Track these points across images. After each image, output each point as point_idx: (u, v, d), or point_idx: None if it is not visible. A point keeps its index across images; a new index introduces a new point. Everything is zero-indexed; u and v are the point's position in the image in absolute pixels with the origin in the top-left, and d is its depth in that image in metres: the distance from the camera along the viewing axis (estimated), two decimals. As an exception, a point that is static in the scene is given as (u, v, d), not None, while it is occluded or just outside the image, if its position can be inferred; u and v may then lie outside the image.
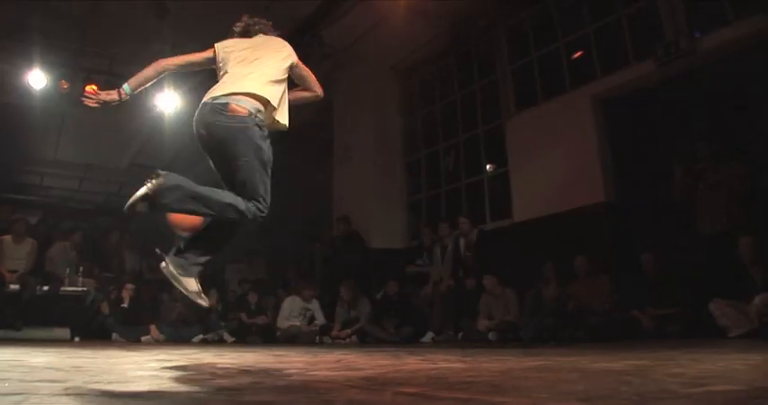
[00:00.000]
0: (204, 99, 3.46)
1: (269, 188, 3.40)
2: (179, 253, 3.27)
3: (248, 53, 3.71)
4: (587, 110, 8.10)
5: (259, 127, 3.38)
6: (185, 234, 3.52)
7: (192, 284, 3.20)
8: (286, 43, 3.83)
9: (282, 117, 3.60)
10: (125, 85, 3.66)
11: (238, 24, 4.13)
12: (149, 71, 3.76)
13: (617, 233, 7.71)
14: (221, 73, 3.66)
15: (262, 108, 3.42)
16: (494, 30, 9.80)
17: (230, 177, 3.39)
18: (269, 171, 3.43)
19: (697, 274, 6.39)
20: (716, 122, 6.89)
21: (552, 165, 8.36)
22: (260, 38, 3.93)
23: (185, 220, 3.47)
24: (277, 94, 3.53)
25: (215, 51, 3.77)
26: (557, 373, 2.37)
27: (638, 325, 6.51)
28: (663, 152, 7.27)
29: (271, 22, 4.14)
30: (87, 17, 9.64)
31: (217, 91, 3.45)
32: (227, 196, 3.22)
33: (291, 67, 3.71)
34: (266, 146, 3.42)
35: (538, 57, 9.14)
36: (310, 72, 3.79)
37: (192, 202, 3.06)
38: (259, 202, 3.32)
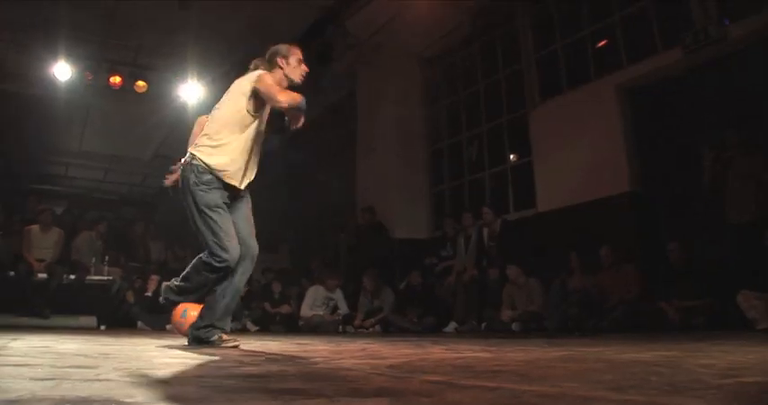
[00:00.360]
0: None
1: (216, 229, 3.64)
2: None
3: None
4: (612, 99, 8.00)
5: (194, 173, 3.69)
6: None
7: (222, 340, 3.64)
8: (252, 75, 3.91)
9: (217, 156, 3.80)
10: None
11: None
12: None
13: (642, 223, 7.63)
14: None
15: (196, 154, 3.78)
16: (518, 18, 9.72)
17: None
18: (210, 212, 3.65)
19: (724, 265, 6.30)
20: (745, 111, 6.77)
21: (577, 154, 8.29)
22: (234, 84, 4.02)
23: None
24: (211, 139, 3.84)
25: None
26: (583, 363, 2.35)
27: (664, 316, 6.45)
28: (689, 141, 7.16)
29: (266, 57, 4.22)
30: (111, 9, 9.70)
31: None
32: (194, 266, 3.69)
33: (255, 95, 3.79)
34: (200, 189, 3.67)
35: (563, 45, 9.04)
36: (269, 88, 3.74)
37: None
38: (211, 251, 3.61)
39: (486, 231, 8.60)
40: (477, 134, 10.55)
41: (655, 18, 7.76)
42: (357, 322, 8.85)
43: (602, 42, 8.56)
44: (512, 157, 9.88)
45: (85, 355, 2.72)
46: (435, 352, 3.14)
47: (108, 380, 1.72)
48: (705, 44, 6.94)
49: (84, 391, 1.48)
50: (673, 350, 2.89)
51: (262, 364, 2.36)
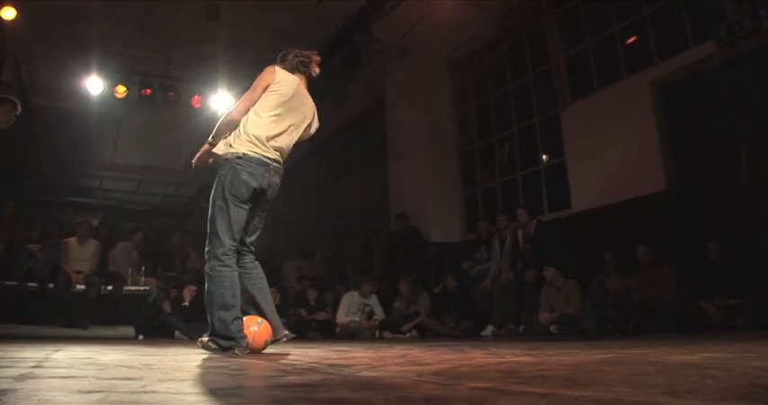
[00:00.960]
0: (269, 154, 3.89)
1: None
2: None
3: None
4: (646, 96, 7.91)
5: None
6: None
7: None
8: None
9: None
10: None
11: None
12: None
13: (680, 222, 7.51)
14: None
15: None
16: (545, 18, 9.66)
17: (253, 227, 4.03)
18: None
19: (766, 262, 6.16)
20: (783, 104, 6.64)
21: (611, 153, 8.20)
22: None
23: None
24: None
25: None
26: (631, 366, 2.30)
27: (705, 316, 6.33)
28: (726, 137, 7.05)
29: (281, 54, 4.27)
30: (141, 22, 9.83)
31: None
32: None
33: None
34: None
35: (592, 44, 8.96)
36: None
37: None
38: None
39: (520, 233, 8.53)
40: (509, 136, 10.49)
41: (685, 12, 7.65)
42: (405, 327, 8.82)
43: (632, 39, 8.46)
44: (544, 157, 9.80)
45: (129, 367, 2.73)
46: (477, 357, 3.10)
47: (154, 392, 1.71)
48: (739, 36, 6.82)
49: (132, 403, 1.48)
50: (720, 351, 2.82)
51: (305, 373, 2.35)
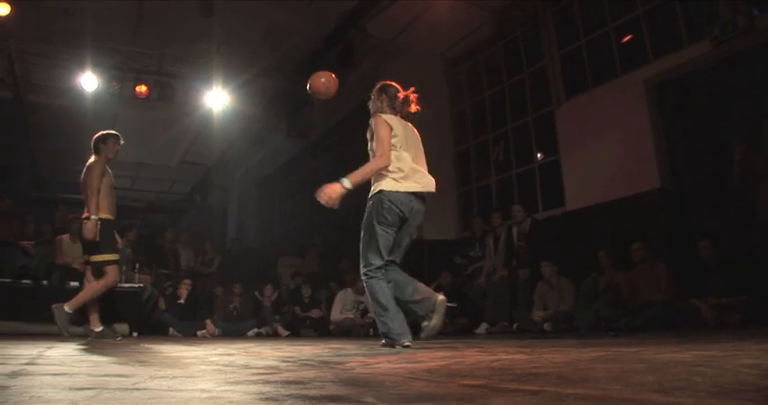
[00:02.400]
0: (410, 188, 4.46)
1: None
2: None
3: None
4: (640, 94, 7.93)
5: None
6: None
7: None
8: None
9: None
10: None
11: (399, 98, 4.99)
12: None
13: (673, 220, 7.54)
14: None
15: None
16: (540, 16, 9.66)
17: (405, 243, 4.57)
18: None
19: (759, 261, 6.18)
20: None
21: (605, 151, 8.22)
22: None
23: None
24: None
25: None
26: (622, 363, 2.31)
27: (697, 314, 6.35)
28: (720, 135, 7.07)
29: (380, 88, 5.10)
30: (135, 18, 9.80)
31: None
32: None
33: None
34: None
35: (586, 42, 8.97)
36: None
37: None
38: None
39: (515, 231, 8.53)
40: (503, 134, 10.50)
41: (680, 10, 7.66)
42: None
43: (627, 37, 8.47)
44: (539, 155, 9.81)
45: (121, 363, 2.74)
46: (470, 354, 3.11)
47: (146, 388, 1.71)
48: (734, 35, 6.83)
49: (124, 400, 1.48)
50: (711, 349, 2.83)
51: (298, 369, 2.35)
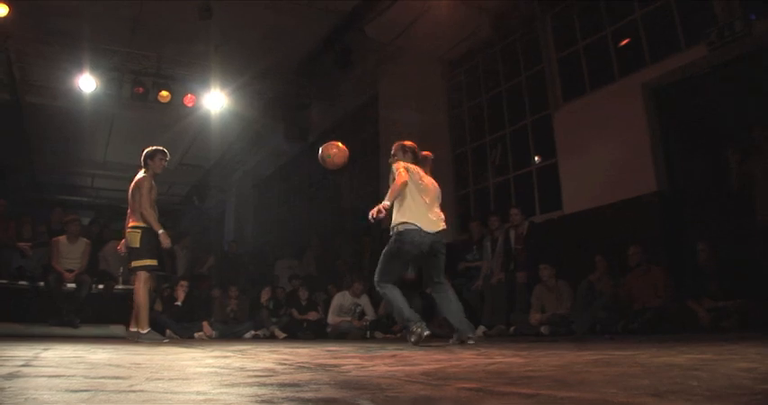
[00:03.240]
0: (423, 227, 5.23)
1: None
2: None
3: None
4: (637, 98, 7.92)
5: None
6: None
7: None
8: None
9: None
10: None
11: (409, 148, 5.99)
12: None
13: (670, 223, 7.54)
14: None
15: None
16: (538, 19, 9.67)
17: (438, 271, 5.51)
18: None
19: (756, 264, 6.19)
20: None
21: (602, 155, 8.22)
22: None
23: None
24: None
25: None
26: (618, 367, 2.31)
27: (694, 317, 6.34)
28: (717, 139, 7.07)
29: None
30: (133, 20, 9.81)
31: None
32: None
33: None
34: None
35: (584, 45, 8.98)
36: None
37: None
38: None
39: (513, 234, 8.52)
40: (501, 137, 10.49)
41: (677, 14, 7.66)
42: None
43: (625, 41, 8.48)
44: (536, 158, 9.81)
45: (117, 365, 2.73)
46: (467, 357, 3.11)
47: (142, 391, 1.72)
48: (730, 40, 6.83)
49: (119, 402, 1.49)
50: (707, 353, 2.83)
51: (294, 372, 2.36)
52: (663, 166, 7.67)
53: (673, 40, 7.66)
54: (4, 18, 8.88)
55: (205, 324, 9.35)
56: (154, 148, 7.08)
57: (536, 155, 9.81)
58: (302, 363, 2.92)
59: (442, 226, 5.36)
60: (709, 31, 7.03)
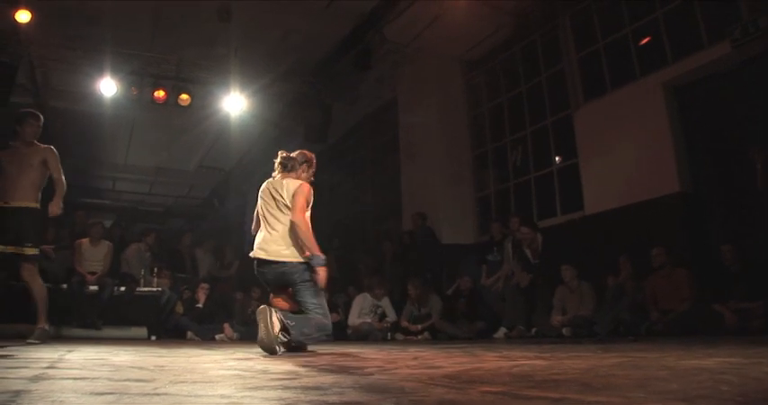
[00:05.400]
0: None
1: None
2: None
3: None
4: (659, 97, 7.84)
5: None
6: None
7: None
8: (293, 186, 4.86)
9: None
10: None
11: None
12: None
13: (694, 224, 7.46)
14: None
15: None
16: (558, 18, 9.61)
17: None
18: None
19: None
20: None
21: (624, 155, 8.14)
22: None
23: None
24: None
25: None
26: (644, 370, 2.29)
27: (719, 319, 6.26)
28: (741, 138, 6.97)
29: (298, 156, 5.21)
30: (153, 24, 9.88)
31: None
32: None
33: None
34: None
35: (605, 44, 8.91)
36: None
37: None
38: None
39: (528, 252, 8.45)
40: (522, 137, 10.44)
41: (699, 12, 7.57)
42: (403, 323, 8.86)
43: (646, 40, 8.40)
44: (557, 159, 9.74)
45: (141, 368, 2.74)
46: (489, 359, 3.09)
47: (166, 394, 1.72)
48: (755, 37, 6.71)
49: (144, 406, 1.48)
50: (735, 356, 2.79)
51: (317, 375, 2.35)
52: (686, 165, 7.59)
53: (695, 37, 7.56)
54: (27, 24, 8.97)
55: (226, 326, 9.38)
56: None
57: (557, 155, 9.75)
58: (325, 365, 2.91)
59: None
60: (732, 27, 6.92)
